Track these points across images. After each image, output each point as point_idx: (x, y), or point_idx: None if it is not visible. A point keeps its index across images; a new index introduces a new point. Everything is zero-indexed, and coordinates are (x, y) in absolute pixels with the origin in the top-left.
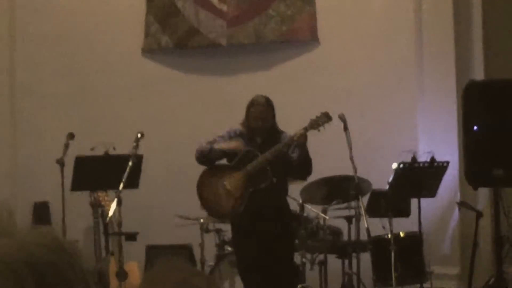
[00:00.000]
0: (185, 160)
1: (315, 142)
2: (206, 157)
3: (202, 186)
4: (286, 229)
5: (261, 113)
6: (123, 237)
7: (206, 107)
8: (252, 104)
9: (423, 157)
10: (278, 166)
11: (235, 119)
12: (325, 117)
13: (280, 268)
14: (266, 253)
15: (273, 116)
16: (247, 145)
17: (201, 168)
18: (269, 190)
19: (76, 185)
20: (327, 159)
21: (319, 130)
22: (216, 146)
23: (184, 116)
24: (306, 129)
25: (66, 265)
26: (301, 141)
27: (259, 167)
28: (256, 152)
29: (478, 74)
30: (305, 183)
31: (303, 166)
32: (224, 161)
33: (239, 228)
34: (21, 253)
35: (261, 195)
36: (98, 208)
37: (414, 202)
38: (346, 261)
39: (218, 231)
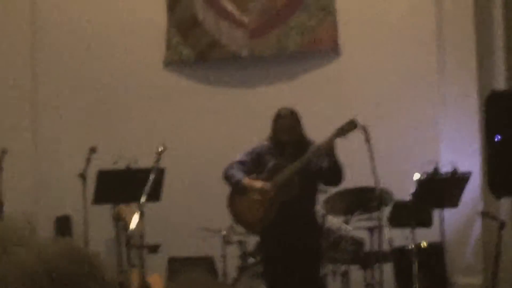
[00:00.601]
0: (206, 172)
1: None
2: (230, 184)
3: (232, 197)
4: (313, 242)
5: (287, 126)
6: (145, 250)
7: (228, 119)
8: (278, 118)
9: (445, 168)
10: (307, 176)
11: (257, 131)
12: (352, 125)
13: (306, 281)
14: (293, 265)
15: (300, 127)
16: (275, 159)
17: (224, 184)
18: (297, 201)
19: (99, 198)
20: (349, 170)
21: (345, 137)
22: (244, 181)
23: (206, 128)
24: (333, 137)
25: (87, 276)
26: (328, 150)
27: (287, 178)
28: (284, 164)
29: (500, 83)
30: (327, 194)
31: (334, 173)
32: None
33: (267, 239)
34: (41, 263)
35: (290, 206)
36: (120, 221)
37: (436, 212)
38: (369, 272)
39: (240, 243)
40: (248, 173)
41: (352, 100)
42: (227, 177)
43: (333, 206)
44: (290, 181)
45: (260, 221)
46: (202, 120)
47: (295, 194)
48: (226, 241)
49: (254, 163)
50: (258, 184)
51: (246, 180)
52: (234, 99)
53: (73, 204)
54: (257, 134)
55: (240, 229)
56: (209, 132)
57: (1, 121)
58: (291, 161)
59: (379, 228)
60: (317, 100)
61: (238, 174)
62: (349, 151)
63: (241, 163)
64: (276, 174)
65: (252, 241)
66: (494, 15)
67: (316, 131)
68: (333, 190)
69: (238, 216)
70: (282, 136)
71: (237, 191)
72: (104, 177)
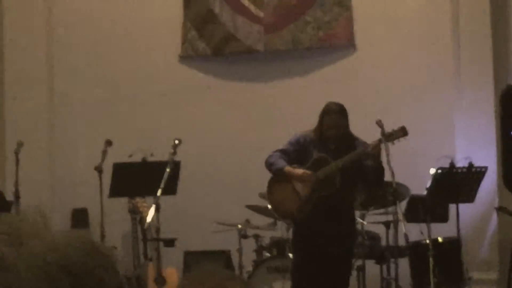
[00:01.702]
0: (223, 166)
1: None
2: (271, 171)
3: (272, 184)
4: (348, 241)
5: (335, 122)
6: (161, 243)
7: (243, 113)
8: (325, 113)
9: (461, 163)
10: (349, 175)
11: (272, 124)
12: (401, 132)
13: (336, 279)
14: (325, 261)
15: (347, 123)
16: (319, 152)
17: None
18: (335, 198)
19: (115, 192)
20: None
21: (393, 143)
22: (287, 168)
23: (221, 122)
24: (381, 141)
25: (101, 268)
26: (375, 152)
27: (329, 173)
28: (329, 159)
29: None
30: None
31: (378, 176)
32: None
33: (301, 231)
34: (55, 255)
35: (327, 201)
36: (136, 215)
37: (452, 207)
38: (384, 267)
39: (256, 237)
40: (290, 162)
41: (368, 95)
42: (269, 165)
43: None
44: (332, 177)
45: (299, 212)
46: (217, 114)
47: (334, 190)
48: (242, 235)
49: (298, 153)
50: (299, 171)
51: (288, 168)
52: (249, 94)
53: (90, 197)
54: (272, 127)
55: (258, 222)
56: (224, 125)
57: (17, 114)
58: (334, 156)
59: (395, 223)
60: (333, 95)
61: (281, 162)
62: None
63: (284, 152)
64: (320, 167)
65: (268, 235)
66: (510, 11)
67: None
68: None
69: (275, 205)
70: (329, 131)
71: (278, 179)
72: (120, 170)
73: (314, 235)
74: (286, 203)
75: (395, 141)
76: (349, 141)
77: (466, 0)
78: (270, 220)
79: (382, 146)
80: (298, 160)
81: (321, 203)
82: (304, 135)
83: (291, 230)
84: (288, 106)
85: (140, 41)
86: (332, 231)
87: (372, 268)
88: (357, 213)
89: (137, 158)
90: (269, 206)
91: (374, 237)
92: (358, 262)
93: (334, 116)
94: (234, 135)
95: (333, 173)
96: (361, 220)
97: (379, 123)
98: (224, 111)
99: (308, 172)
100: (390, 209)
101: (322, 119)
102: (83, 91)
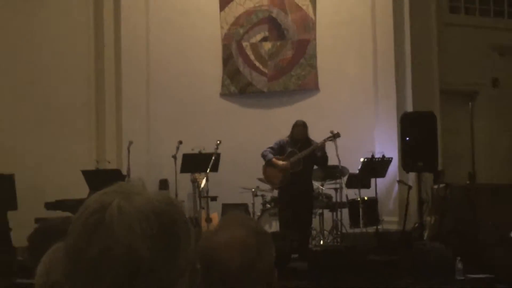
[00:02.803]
0: (242, 156)
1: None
2: (265, 162)
3: (265, 168)
4: (310, 196)
5: (300, 131)
6: (208, 199)
7: (255, 126)
8: (295, 126)
9: (378, 155)
10: (308, 160)
11: (271, 133)
12: (336, 134)
13: (305, 218)
14: (297, 208)
15: (307, 132)
16: (291, 148)
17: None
18: (300, 173)
19: (183, 169)
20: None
21: (335, 142)
22: (275, 160)
23: (242, 131)
24: (325, 141)
25: (176, 214)
26: (322, 147)
27: (297, 160)
28: (296, 152)
29: (409, 108)
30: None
31: (324, 160)
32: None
33: (285, 193)
34: (150, 205)
35: (297, 176)
36: (195, 182)
37: (373, 180)
38: (334, 214)
39: (263, 196)
40: (275, 155)
41: (326, 117)
42: (263, 156)
43: (315, 175)
44: (298, 162)
45: (280, 182)
46: (240, 127)
47: (300, 169)
48: (254, 195)
49: (279, 149)
50: (280, 162)
51: (274, 159)
52: (260, 115)
53: (169, 172)
54: (271, 135)
55: (263, 187)
56: (244, 133)
57: (127, 123)
58: (300, 150)
59: (340, 188)
60: (305, 117)
61: (269, 155)
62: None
63: (271, 148)
64: (291, 156)
65: (269, 195)
66: (406, 56)
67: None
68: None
69: (268, 179)
70: (297, 136)
71: (268, 165)
72: (187, 157)
73: (289, 194)
74: (273, 178)
75: (336, 141)
76: (307, 141)
77: (382, 53)
78: (269, 187)
79: (331, 143)
80: (279, 153)
81: (293, 177)
82: (283, 139)
83: (277, 192)
84: (280, 123)
85: (201, 85)
86: (299, 191)
87: (327, 214)
88: (319, 183)
89: (196, 151)
90: (265, 180)
91: (328, 197)
92: (319, 211)
93: (300, 128)
94: (249, 139)
95: (299, 160)
96: (321, 187)
97: (333, 132)
98: (244, 125)
99: (285, 163)
100: (338, 181)
101: (293, 129)
102: (165, 110)
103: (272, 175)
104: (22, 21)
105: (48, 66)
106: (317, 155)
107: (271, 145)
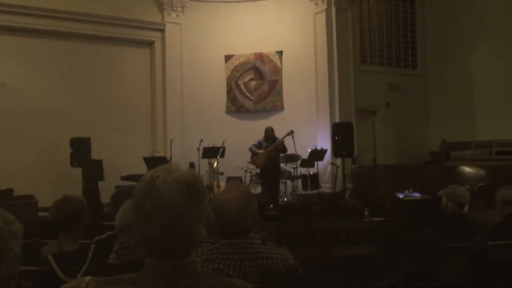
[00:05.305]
0: (239, 148)
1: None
2: (251, 153)
3: (252, 156)
4: (278, 172)
5: (270, 133)
6: (218, 174)
7: (245, 132)
8: (267, 130)
9: (319, 147)
10: (276, 150)
11: (254, 136)
12: (291, 132)
13: (275, 184)
14: (271, 174)
15: (273, 133)
16: (266, 145)
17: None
18: (272, 158)
19: (204, 156)
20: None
21: (293, 137)
22: (256, 151)
23: (238, 135)
24: (283, 137)
25: (198, 182)
26: (282, 142)
27: (271, 150)
28: (269, 145)
29: (337, 119)
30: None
31: (284, 149)
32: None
33: (264, 170)
34: (182, 177)
35: (271, 159)
36: (210, 164)
37: (316, 163)
38: (293, 182)
39: (250, 172)
40: (258, 148)
41: (287, 125)
42: (250, 150)
43: (281, 159)
44: (271, 151)
45: (261, 164)
46: (237, 131)
47: (273, 156)
48: (246, 171)
49: (259, 145)
50: (260, 152)
51: (258, 151)
52: (248, 125)
53: (195, 158)
54: (255, 137)
55: (253, 167)
56: (239, 135)
57: (170, 128)
58: (271, 145)
59: (297, 167)
60: (275, 125)
61: (254, 148)
62: (287, 142)
63: (254, 145)
64: (267, 148)
65: (255, 171)
66: (335, 88)
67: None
68: (281, 155)
69: (253, 162)
70: (268, 136)
71: (254, 154)
72: (205, 149)
73: (267, 170)
74: (257, 161)
75: (292, 136)
76: (274, 139)
77: (321, 86)
78: (254, 167)
79: (291, 141)
80: (259, 147)
81: (269, 160)
82: (260, 139)
83: (259, 170)
84: (261, 129)
85: (213, 106)
86: (272, 169)
87: (288, 183)
88: (283, 164)
89: (211, 145)
90: (252, 163)
91: (290, 172)
92: (284, 181)
93: (269, 131)
94: (242, 138)
95: (272, 150)
96: (285, 166)
97: (289, 132)
98: (239, 131)
99: (263, 152)
100: (295, 163)
101: (266, 132)
102: (192, 121)
103: (256, 160)
104: (105, 69)
105: (125, 94)
106: (279, 147)
107: (254, 143)
